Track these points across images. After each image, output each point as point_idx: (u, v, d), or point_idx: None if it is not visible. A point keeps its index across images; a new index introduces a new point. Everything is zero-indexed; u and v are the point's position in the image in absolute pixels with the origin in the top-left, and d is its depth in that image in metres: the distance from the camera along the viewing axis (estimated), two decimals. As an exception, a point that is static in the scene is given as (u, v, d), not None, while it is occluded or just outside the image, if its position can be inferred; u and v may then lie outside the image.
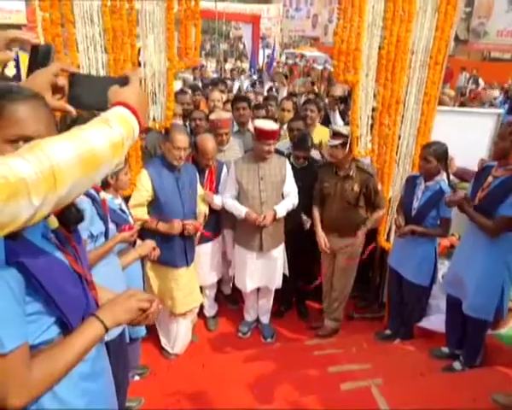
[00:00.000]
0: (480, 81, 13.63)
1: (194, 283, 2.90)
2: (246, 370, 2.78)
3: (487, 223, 2.33)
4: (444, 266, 3.02)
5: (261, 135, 2.79)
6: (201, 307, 3.24)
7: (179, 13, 2.63)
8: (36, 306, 0.89)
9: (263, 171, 2.91)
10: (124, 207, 2.04)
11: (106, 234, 1.88)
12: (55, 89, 1.00)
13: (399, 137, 3.12)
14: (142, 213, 2.56)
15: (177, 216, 2.64)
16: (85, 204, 1.73)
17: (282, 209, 2.94)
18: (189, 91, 4.93)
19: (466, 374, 2.52)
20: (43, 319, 0.91)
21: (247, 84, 10.45)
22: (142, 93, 0.99)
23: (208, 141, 2.84)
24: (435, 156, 2.66)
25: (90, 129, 0.82)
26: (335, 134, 2.85)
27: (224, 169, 3.11)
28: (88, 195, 1.77)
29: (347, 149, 2.85)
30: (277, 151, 3.15)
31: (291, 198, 3.00)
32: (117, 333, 1.97)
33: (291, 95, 6.13)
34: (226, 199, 2.96)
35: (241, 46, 21.13)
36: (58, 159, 0.73)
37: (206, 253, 3.12)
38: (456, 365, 2.61)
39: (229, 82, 8.40)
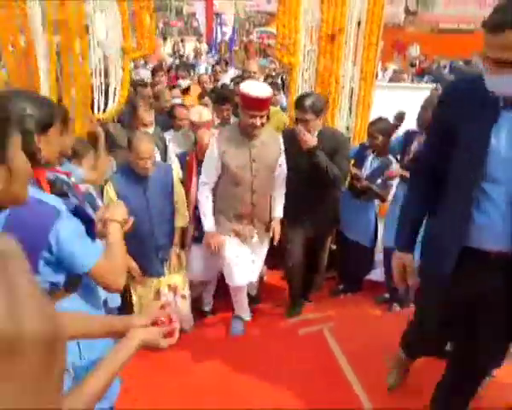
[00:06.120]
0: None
1: None
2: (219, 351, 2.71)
3: None
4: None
5: (248, 103, 2.17)
6: (200, 302, 3.15)
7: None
8: None
9: (255, 150, 2.35)
10: (91, 190, 2.18)
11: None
12: None
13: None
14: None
15: (146, 233, 2.43)
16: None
17: (281, 211, 2.67)
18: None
19: (403, 312, 2.95)
20: None
21: (205, 66, 10.15)
22: None
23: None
24: (380, 132, 2.93)
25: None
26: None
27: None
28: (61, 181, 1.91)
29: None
30: None
31: (282, 189, 2.62)
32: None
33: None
34: (202, 197, 2.49)
35: (196, 23, 20.65)
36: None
37: (202, 251, 2.82)
38: (395, 306, 3.05)
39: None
